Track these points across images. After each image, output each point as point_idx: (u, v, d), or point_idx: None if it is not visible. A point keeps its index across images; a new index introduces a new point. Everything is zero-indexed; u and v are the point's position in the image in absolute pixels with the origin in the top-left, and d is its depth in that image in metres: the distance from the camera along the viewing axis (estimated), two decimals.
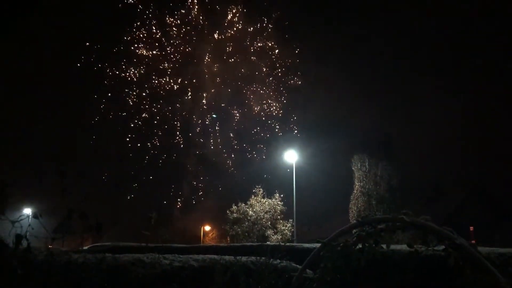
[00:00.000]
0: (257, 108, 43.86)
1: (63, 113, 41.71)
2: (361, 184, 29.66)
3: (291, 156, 27.02)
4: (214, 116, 43.08)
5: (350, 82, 52.26)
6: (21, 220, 2.61)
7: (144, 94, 42.23)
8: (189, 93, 42.92)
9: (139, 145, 41.31)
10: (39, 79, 41.08)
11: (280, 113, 44.17)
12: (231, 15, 44.63)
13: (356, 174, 30.15)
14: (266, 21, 44.96)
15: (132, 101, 42.01)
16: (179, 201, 41.11)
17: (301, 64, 44.94)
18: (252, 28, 44.87)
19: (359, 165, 30.26)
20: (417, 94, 49.37)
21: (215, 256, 5.28)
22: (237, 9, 44.66)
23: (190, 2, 43.84)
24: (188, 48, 43.28)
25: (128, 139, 41.03)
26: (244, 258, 5.22)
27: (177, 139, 42.58)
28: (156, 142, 41.84)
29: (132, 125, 41.46)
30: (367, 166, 30.04)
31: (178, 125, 43.00)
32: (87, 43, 40.99)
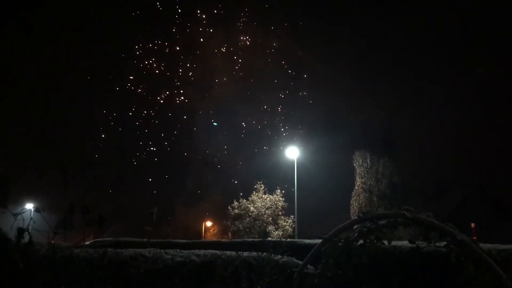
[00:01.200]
0: (264, 120, 43.97)
1: (67, 114, 41.54)
2: (363, 180, 29.57)
3: (292, 152, 26.99)
4: (215, 124, 43.36)
5: (352, 79, 52.05)
6: (23, 212, 2.62)
7: (151, 109, 42.34)
8: (197, 104, 43.05)
9: (143, 155, 41.55)
10: (43, 81, 41.00)
11: (287, 125, 44.27)
12: (239, 24, 44.64)
13: (358, 171, 30.07)
14: (273, 28, 44.94)
15: (140, 113, 42.20)
16: (180, 197, 41.27)
17: (306, 65, 44.87)
18: (259, 35, 44.86)
19: (360, 161, 30.17)
20: (419, 92, 49.15)
21: (217, 252, 5.28)
22: (246, 16, 44.60)
23: (198, 13, 43.77)
24: (194, 63, 43.35)
25: (135, 148, 41.26)
26: (245, 254, 5.22)
27: (182, 148, 42.78)
28: (161, 154, 42.10)
29: (140, 142, 41.72)
30: (368, 163, 29.95)
31: (183, 132, 43.22)
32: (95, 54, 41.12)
